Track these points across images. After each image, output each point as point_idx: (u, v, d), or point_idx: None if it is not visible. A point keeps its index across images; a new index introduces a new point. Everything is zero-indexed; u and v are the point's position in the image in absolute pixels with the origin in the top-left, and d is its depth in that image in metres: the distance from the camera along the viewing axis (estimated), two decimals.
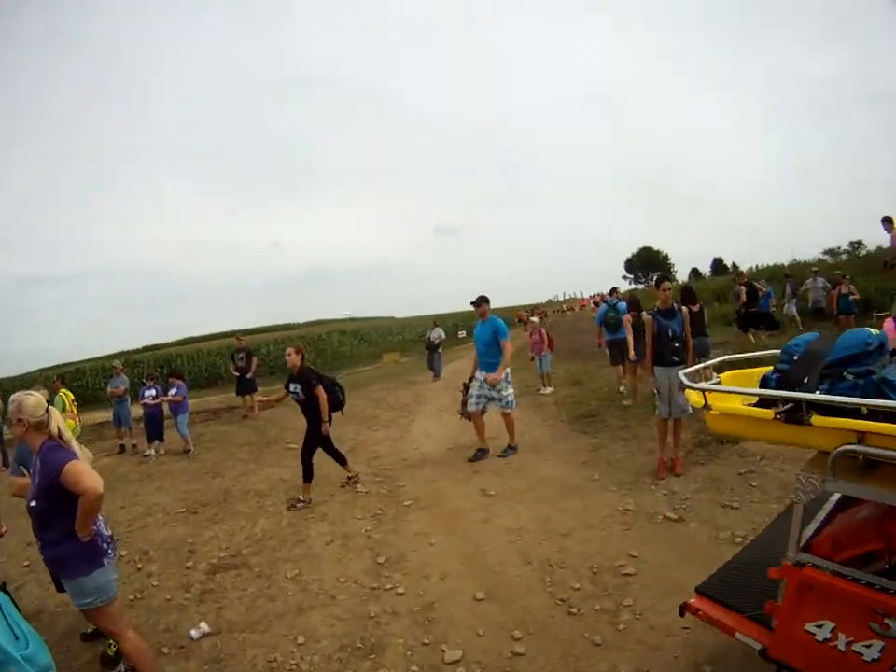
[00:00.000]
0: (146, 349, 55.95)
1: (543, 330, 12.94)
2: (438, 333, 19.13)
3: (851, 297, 14.30)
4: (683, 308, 6.70)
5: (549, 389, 12.71)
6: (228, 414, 15.73)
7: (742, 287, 14.01)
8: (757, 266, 35.44)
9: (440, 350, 19.22)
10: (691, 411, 6.26)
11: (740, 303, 13.85)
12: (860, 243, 38.48)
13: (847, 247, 38.73)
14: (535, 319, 14.05)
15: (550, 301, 75.65)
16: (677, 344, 6.39)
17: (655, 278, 7.65)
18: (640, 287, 73.67)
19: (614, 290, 13.54)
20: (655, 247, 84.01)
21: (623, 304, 10.87)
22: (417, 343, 43.37)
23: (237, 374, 14.39)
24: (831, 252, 36.80)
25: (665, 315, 6.47)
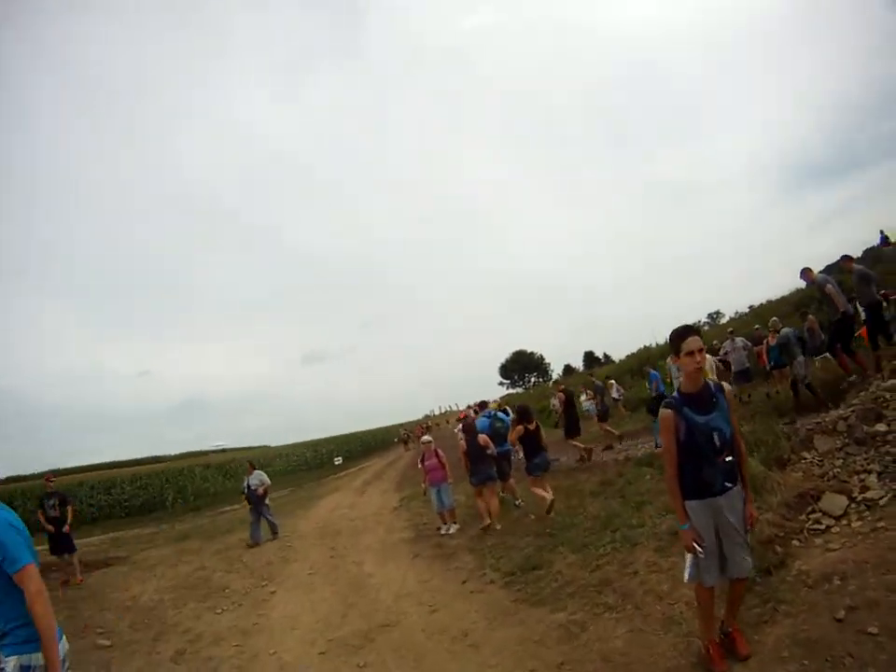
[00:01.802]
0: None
1: (440, 452, 10.33)
2: (258, 479, 13.67)
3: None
4: (725, 385, 3.84)
5: (454, 527, 10.01)
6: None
7: (561, 395, 14.53)
8: (627, 355, 37.27)
9: (266, 502, 13.59)
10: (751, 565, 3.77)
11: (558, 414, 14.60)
12: (717, 312, 40.83)
13: (706, 319, 40.23)
14: (427, 438, 11.11)
15: (426, 415, 73.72)
16: (728, 457, 3.60)
17: (672, 332, 3.79)
18: (518, 391, 72.88)
19: (484, 404, 13.11)
20: (528, 349, 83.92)
21: (503, 414, 10.96)
22: (291, 473, 39.75)
23: (50, 527, 11.17)
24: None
25: (698, 403, 3.63)
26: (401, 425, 52.86)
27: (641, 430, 15.83)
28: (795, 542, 5.11)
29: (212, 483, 36.14)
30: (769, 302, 29.17)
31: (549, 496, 8.71)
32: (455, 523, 10.08)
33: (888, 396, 6.56)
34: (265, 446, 68.36)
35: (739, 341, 15.00)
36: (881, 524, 4.74)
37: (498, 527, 9.08)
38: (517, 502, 10.28)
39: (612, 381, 20.87)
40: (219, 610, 8.42)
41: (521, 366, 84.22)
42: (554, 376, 71.91)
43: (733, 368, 14.81)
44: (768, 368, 13.89)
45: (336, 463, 39.67)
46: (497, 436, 9.97)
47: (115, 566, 12.63)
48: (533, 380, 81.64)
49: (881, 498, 5.10)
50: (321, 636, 6.57)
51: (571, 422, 13.95)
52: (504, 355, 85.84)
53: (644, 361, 23.84)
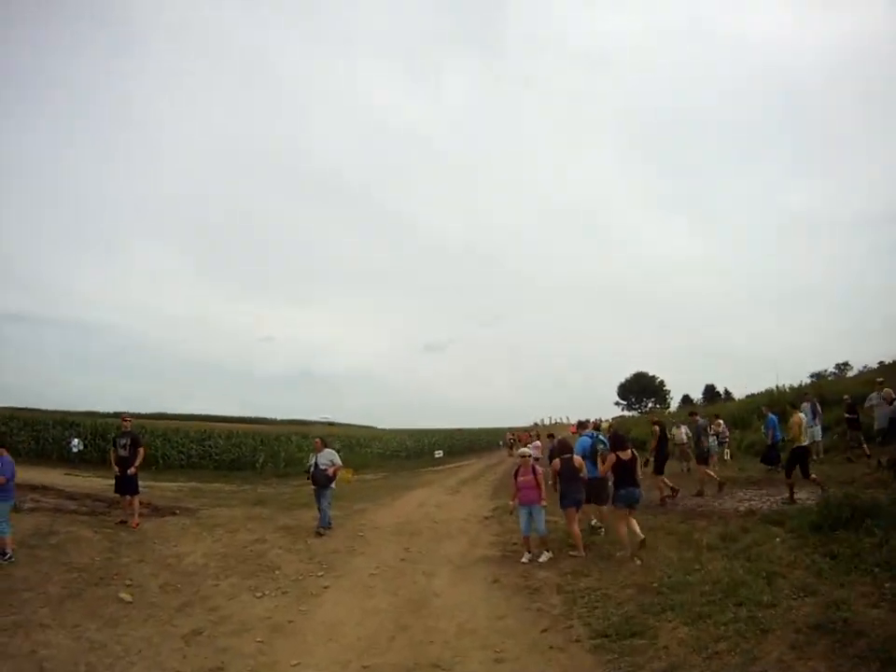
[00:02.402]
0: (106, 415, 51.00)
1: (538, 469, 9.17)
2: (328, 458, 11.80)
3: None
4: None
5: (545, 555, 8.78)
6: (99, 514, 11.68)
7: (656, 428, 13.63)
8: (747, 395, 33.73)
9: (332, 486, 11.74)
10: None
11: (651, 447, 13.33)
12: (846, 364, 38.09)
13: (833, 369, 37.42)
14: (527, 451, 9.93)
15: (535, 424, 72.25)
16: None
17: None
18: (634, 413, 69.98)
19: (583, 424, 11.80)
20: (650, 373, 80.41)
21: (604, 437, 10.21)
22: (388, 458, 39.39)
23: (117, 467, 10.97)
24: (817, 375, 34.98)
25: None
26: (509, 429, 51.25)
27: (747, 480, 14.26)
28: None
29: (306, 452, 36.29)
30: None
31: (638, 534, 8.19)
32: (547, 550, 8.85)
33: None
34: (370, 427, 68.83)
35: (888, 392, 12.80)
36: None
37: (583, 554, 8.60)
38: (599, 527, 9.87)
39: (720, 420, 18.97)
40: (260, 594, 7.83)
41: (640, 388, 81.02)
42: (673, 404, 68.50)
43: (875, 425, 13.16)
44: None
45: (436, 456, 38.92)
46: (597, 457, 9.36)
47: (180, 516, 12.20)
48: (650, 405, 78.27)
49: None
50: (358, 658, 5.84)
51: (662, 458, 12.95)
52: (624, 374, 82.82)
53: (765, 404, 20.87)
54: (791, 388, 25.77)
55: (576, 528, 8.83)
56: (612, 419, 48.05)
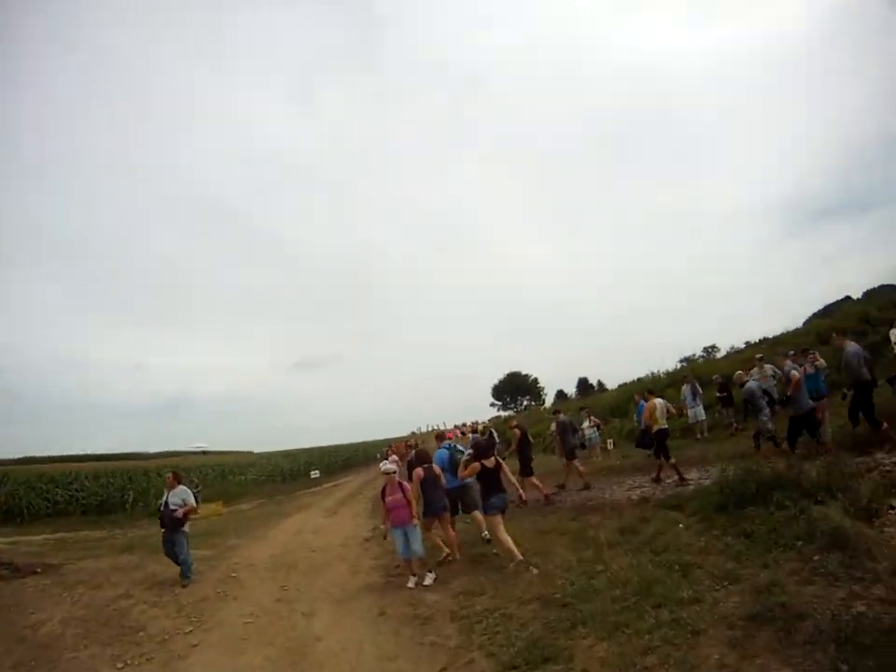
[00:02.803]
0: None
1: (407, 485, 8.22)
2: (180, 496, 10.03)
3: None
4: None
5: (429, 577, 7.87)
6: None
7: (516, 431, 13.30)
8: (620, 384, 35.56)
9: (185, 529, 9.93)
10: None
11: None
12: (713, 347, 40.33)
13: (701, 353, 39.33)
14: (390, 466, 8.63)
15: (413, 433, 71.56)
16: None
17: None
18: (510, 413, 70.43)
19: (442, 435, 10.97)
20: (523, 372, 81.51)
21: (462, 447, 10.22)
22: (263, 483, 37.29)
23: None
24: (687, 360, 36.53)
25: None
26: (386, 441, 50.02)
27: (633, 467, 14.00)
28: None
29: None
30: (764, 340, 27.12)
31: (512, 551, 7.59)
32: (430, 571, 7.97)
33: None
34: (248, 451, 65.90)
35: (769, 368, 12.80)
36: None
37: (456, 555, 8.47)
38: (484, 534, 9.00)
39: (584, 411, 19.09)
40: (121, 664, 6.59)
41: (514, 387, 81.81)
42: (548, 401, 69.71)
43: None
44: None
45: (312, 476, 37.13)
46: (457, 469, 8.90)
47: (41, 575, 10.92)
48: (525, 403, 79.32)
49: None
50: None
51: (526, 459, 12.44)
52: (498, 375, 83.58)
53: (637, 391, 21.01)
54: (667, 373, 26.46)
55: (434, 536, 8.65)
56: (489, 420, 47.83)
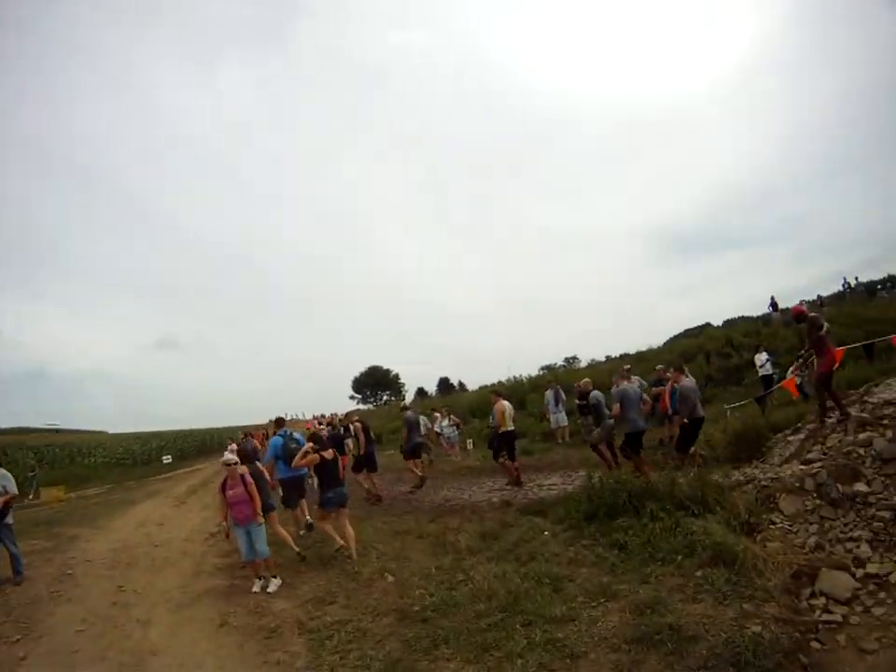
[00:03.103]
0: None
1: (249, 478, 6.93)
2: (0, 481, 8.27)
3: None
4: None
5: (274, 583, 6.80)
6: None
7: (358, 425, 12.25)
8: (480, 386, 35.55)
9: (9, 521, 8.23)
10: None
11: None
12: (575, 357, 41.06)
13: (563, 363, 40.24)
14: (231, 457, 7.35)
15: (270, 420, 68.66)
16: None
17: None
18: (370, 406, 69.22)
19: (281, 421, 10.28)
20: (384, 366, 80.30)
21: (299, 435, 9.49)
22: (114, 467, 34.34)
23: None
24: (548, 367, 37.11)
25: None
26: (244, 427, 47.07)
27: (492, 469, 13.07)
28: (815, 644, 3.90)
29: (22, 468, 29.85)
30: (625, 355, 28.34)
31: (339, 540, 7.32)
32: (274, 577, 6.88)
33: (862, 451, 5.89)
34: (102, 431, 61.09)
35: (636, 380, 12.71)
36: None
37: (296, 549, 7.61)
38: (301, 532, 8.77)
39: (437, 413, 18.28)
40: None
41: (374, 381, 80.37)
42: (409, 397, 69.12)
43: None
44: (670, 412, 12.04)
45: (164, 462, 34.47)
46: (291, 458, 8.18)
47: None
48: (385, 397, 78.41)
49: (889, 574, 4.49)
50: None
51: (368, 455, 11.73)
52: (360, 368, 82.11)
53: (492, 391, 21.08)
54: (528, 379, 26.69)
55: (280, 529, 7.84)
56: (347, 413, 46.56)
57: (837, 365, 9.18)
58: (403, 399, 64.78)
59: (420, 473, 12.40)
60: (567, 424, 15.49)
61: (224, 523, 7.13)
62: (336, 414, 32.05)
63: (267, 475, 7.94)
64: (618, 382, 10.00)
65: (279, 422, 10.01)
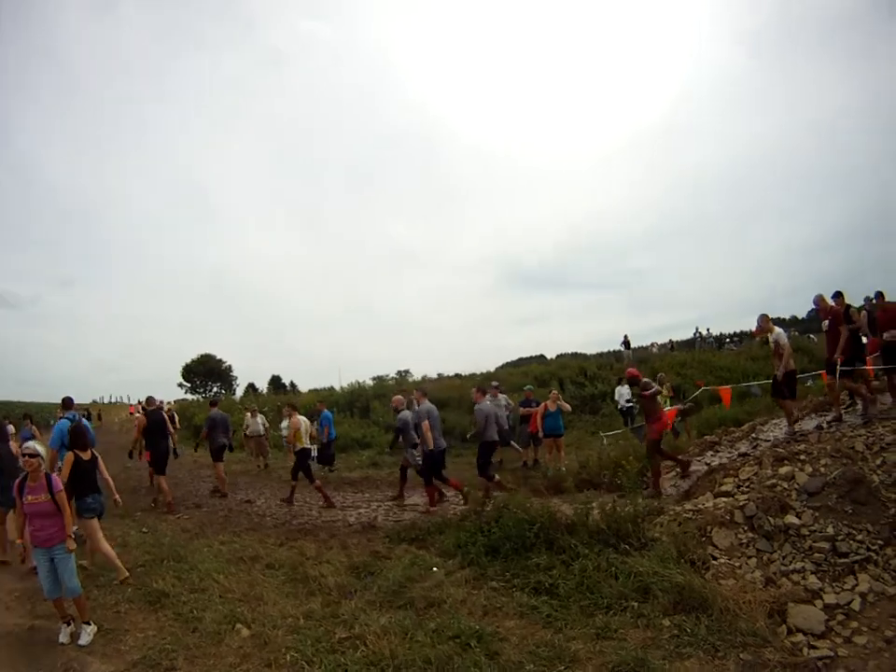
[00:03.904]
0: None
1: (57, 480, 4.96)
2: None
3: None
4: None
5: (87, 631, 4.82)
6: None
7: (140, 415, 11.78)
8: (310, 389, 35.86)
9: None
10: None
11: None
12: (407, 371, 41.14)
13: (395, 375, 39.81)
14: (33, 447, 4.95)
15: (94, 402, 61.67)
16: None
17: None
18: (198, 397, 63.89)
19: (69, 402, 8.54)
20: (217, 356, 74.93)
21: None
22: None
23: None
24: (378, 378, 36.71)
25: None
26: (58, 406, 40.31)
27: (342, 481, 12.02)
28: None
29: None
30: (457, 376, 28.22)
31: (119, 565, 6.11)
32: (87, 623, 4.86)
33: (786, 485, 5.75)
34: None
35: (502, 398, 12.11)
36: (888, 632, 4.02)
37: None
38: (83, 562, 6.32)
39: (249, 413, 16.27)
40: None
41: (206, 371, 74.44)
42: (239, 391, 64.91)
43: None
44: (541, 434, 11.33)
45: None
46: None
47: None
48: (216, 389, 73.14)
49: (849, 603, 4.44)
50: None
51: (161, 454, 9.88)
52: (190, 355, 76.05)
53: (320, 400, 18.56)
54: (371, 385, 25.98)
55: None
56: (175, 401, 42.43)
57: (668, 429, 9.46)
58: (234, 394, 60.72)
59: (224, 480, 11.28)
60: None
61: (20, 541, 5.18)
62: (162, 401, 29.02)
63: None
64: (477, 398, 9.36)
65: (67, 403, 8.31)
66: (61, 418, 7.87)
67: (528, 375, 21.92)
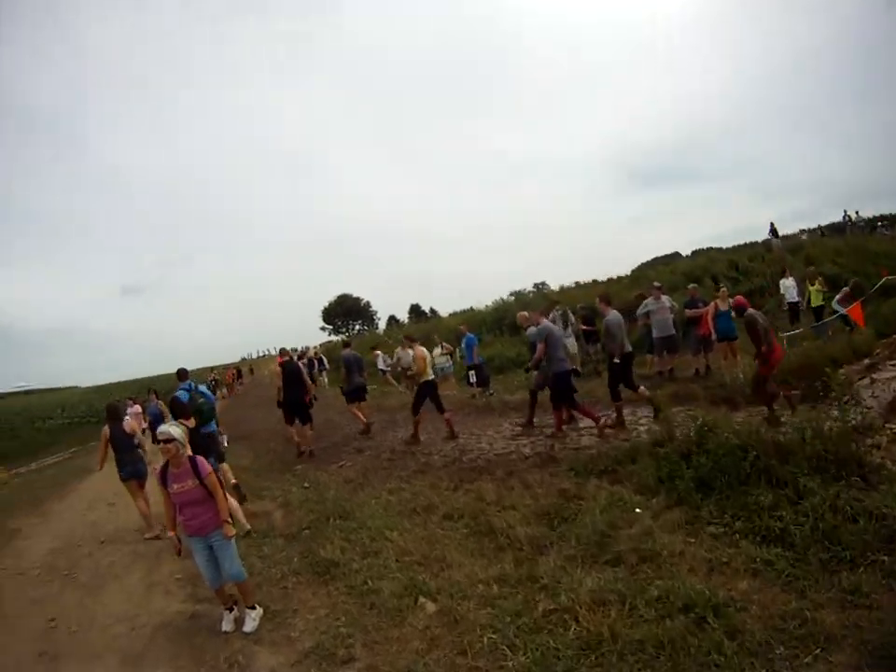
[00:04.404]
0: None
1: (205, 465, 4.51)
2: None
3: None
4: None
5: (253, 617, 4.58)
6: None
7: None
8: (451, 313, 35.90)
9: None
10: None
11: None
12: (543, 283, 39.92)
13: (532, 288, 38.92)
14: (169, 431, 4.45)
15: (244, 359, 65.81)
16: None
17: None
18: (341, 337, 66.17)
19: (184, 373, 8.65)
20: (354, 294, 76.60)
21: (205, 388, 8.39)
22: (78, 427, 31.73)
23: None
24: (517, 294, 35.66)
25: None
26: (212, 368, 43.66)
27: (503, 404, 11.51)
28: None
29: None
30: (595, 282, 26.36)
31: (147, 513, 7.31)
32: (252, 607, 4.62)
33: None
34: (73, 387, 58.46)
35: (666, 299, 11.09)
36: None
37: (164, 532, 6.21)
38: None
39: (378, 352, 17.81)
40: None
41: (345, 311, 76.40)
42: (381, 325, 66.52)
43: (655, 332, 11.02)
44: (714, 338, 10.37)
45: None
46: (200, 414, 7.27)
47: None
48: (357, 327, 75.11)
49: None
50: None
51: (296, 404, 10.26)
52: (328, 299, 78.48)
53: (462, 323, 18.60)
54: (514, 301, 25.55)
55: (142, 504, 7.40)
56: (319, 345, 44.16)
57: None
58: (377, 329, 62.46)
59: (364, 419, 11.45)
60: (577, 352, 13.03)
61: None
62: (308, 347, 30.28)
63: (139, 433, 7.75)
64: (653, 297, 9.51)
65: (182, 374, 8.48)
66: (179, 388, 7.93)
67: (676, 273, 20.25)
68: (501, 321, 21.36)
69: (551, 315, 13.52)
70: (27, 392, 57.20)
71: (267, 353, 70.71)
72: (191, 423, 6.52)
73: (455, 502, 6.10)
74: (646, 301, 11.11)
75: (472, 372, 12.78)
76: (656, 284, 11.62)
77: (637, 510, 4.88)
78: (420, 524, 5.71)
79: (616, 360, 7.97)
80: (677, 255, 36.57)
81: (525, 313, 9.72)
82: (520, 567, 4.37)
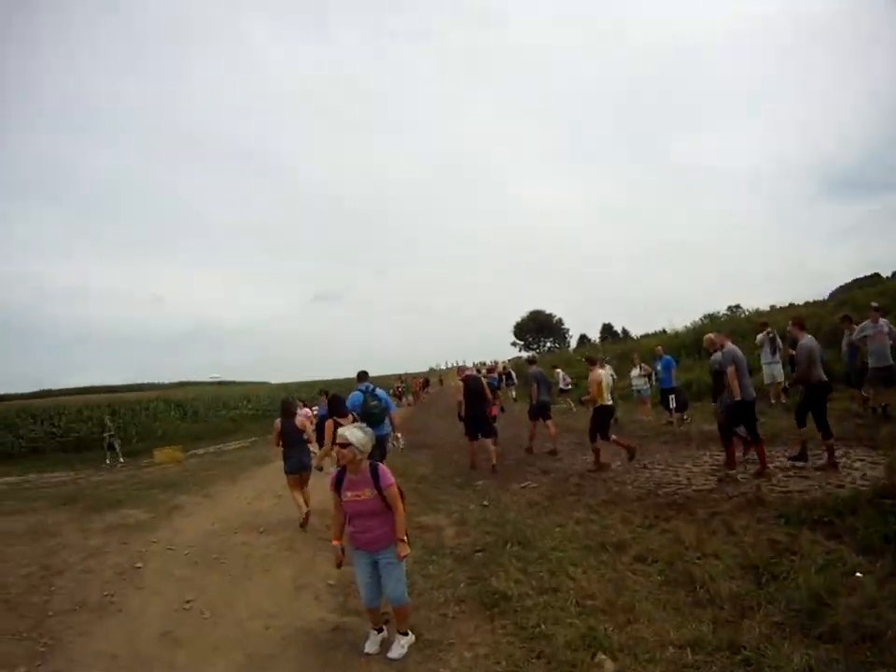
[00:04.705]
0: None
1: (389, 475, 4.23)
2: None
3: None
4: None
5: (402, 643, 4.27)
6: None
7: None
8: (642, 335, 35.56)
9: None
10: None
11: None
12: (738, 306, 37.65)
13: (725, 311, 36.70)
14: (350, 435, 4.12)
15: (431, 369, 68.18)
16: None
17: None
18: (531, 353, 66.21)
19: (364, 375, 8.89)
20: (546, 311, 76.11)
21: (382, 392, 8.48)
22: (261, 418, 34.74)
23: None
24: (710, 316, 33.73)
25: None
26: (399, 376, 45.68)
27: (701, 434, 10.88)
28: None
29: (162, 421, 30.73)
30: (792, 306, 23.72)
31: (303, 507, 7.64)
32: (405, 633, 4.33)
33: None
34: (264, 382, 63.89)
35: (884, 323, 9.66)
36: None
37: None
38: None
39: (559, 370, 19.25)
40: None
41: (537, 327, 76.19)
42: (573, 343, 65.91)
43: (871, 360, 9.71)
44: None
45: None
46: (370, 416, 7.64)
47: None
48: (549, 344, 74.71)
49: None
50: None
51: (477, 418, 10.56)
52: (520, 314, 78.71)
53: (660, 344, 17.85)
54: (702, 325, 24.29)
55: (297, 495, 7.79)
56: (509, 360, 44.67)
57: None
58: (568, 346, 61.79)
59: (533, 437, 11.71)
60: (783, 379, 12.08)
61: (337, 542, 4.37)
62: (497, 362, 30.94)
63: (309, 430, 8.19)
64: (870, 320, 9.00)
65: (361, 375, 8.77)
66: (355, 391, 8.24)
67: (886, 295, 17.65)
68: (699, 344, 20.37)
69: (758, 338, 12.58)
70: (220, 383, 61.79)
71: (455, 364, 72.87)
72: (348, 420, 6.88)
73: (650, 542, 5.64)
74: (863, 324, 9.79)
75: (672, 396, 12.19)
76: (874, 304, 10.17)
77: (859, 573, 4.22)
78: (608, 563, 5.30)
79: (802, 388, 7.65)
80: (876, 276, 33.25)
81: (712, 335, 9.03)
82: (720, 631, 3.85)
